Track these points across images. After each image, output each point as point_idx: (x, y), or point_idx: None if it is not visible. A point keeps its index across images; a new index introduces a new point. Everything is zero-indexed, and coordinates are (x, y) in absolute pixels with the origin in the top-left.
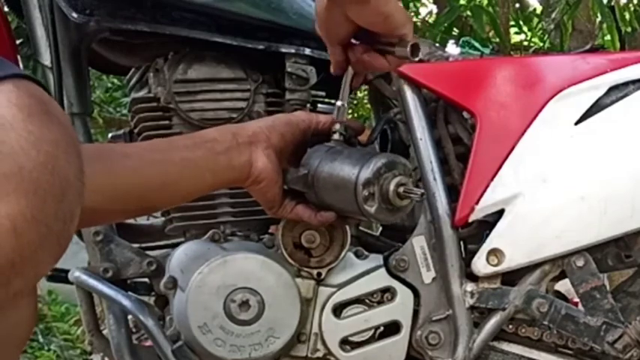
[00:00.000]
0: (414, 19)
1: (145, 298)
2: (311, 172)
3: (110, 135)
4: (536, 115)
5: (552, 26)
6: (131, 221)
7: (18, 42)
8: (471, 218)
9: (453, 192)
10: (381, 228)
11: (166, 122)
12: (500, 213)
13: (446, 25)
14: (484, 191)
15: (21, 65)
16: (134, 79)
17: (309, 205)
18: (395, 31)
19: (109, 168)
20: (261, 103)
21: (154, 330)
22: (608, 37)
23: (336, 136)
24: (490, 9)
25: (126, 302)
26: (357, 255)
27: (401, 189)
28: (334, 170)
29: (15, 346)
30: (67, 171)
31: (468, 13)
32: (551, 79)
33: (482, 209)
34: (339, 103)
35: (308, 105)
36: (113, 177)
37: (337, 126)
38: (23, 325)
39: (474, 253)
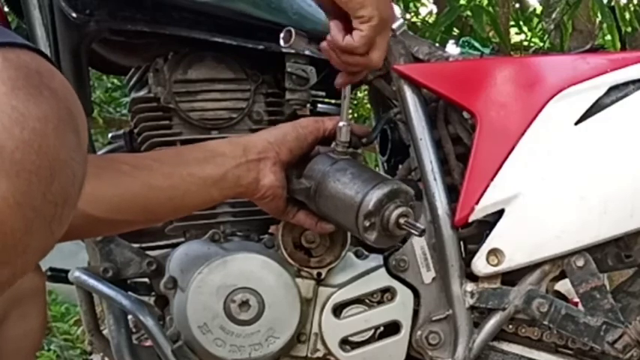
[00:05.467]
0: (414, 19)
1: (145, 298)
2: (313, 187)
3: (110, 135)
4: (536, 115)
5: (552, 26)
6: None
7: None
8: (471, 218)
9: (453, 192)
10: None
11: (166, 122)
12: (500, 213)
13: (446, 25)
14: (484, 191)
15: None
16: (134, 79)
17: (311, 212)
18: (350, 10)
19: (115, 179)
20: (261, 103)
21: (153, 330)
22: (608, 37)
23: (339, 148)
24: (490, 9)
25: (126, 302)
26: (357, 255)
27: (402, 220)
28: (337, 193)
29: (24, 357)
30: (57, 149)
31: (468, 13)
32: (551, 79)
33: (482, 209)
34: (341, 123)
35: (308, 105)
36: (120, 188)
37: (340, 139)
38: (32, 336)
39: (474, 253)
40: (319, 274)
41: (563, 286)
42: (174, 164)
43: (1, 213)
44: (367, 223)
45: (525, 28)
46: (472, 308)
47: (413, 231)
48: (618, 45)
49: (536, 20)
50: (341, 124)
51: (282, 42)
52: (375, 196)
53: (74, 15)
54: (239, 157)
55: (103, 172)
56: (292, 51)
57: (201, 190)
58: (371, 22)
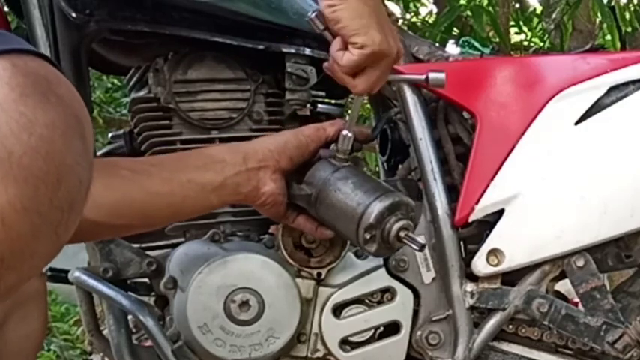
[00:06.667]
0: (414, 19)
1: (145, 298)
2: (314, 195)
3: (110, 135)
4: (536, 115)
5: (552, 26)
6: None
7: None
8: (471, 218)
9: (453, 192)
10: None
11: (166, 122)
12: (500, 213)
13: (446, 25)
14: (484, 191)
15: None
16: (134, 79)
17: (311, 217)
18: (343, 36)
19: (115, 184)
20: (261, 103)
21: (153, 330)
22: (608, 37)
23: (341, 155)
24: (490, 9)
25: (126, 302)
26: (357, 255)
27: (402, 233)
28: (338, 202)
29: (25, 358)
30: (64, 156)
31: (468, 13)
32: (551, 79)
33: (482, 209)
34: (344, 132)
35: (308, 105)
36: (119, 193)
37: (342, 147)
38: (33, 337)
39: (474, 253)
40: (319, 274)
41: (563, 286)
42: (173, 170)
43: (8, 218)
44: (368, 236)
45: (525, 28)
46: (472, 308)
47: (413, 245)
48: (618, 45)
49: (536, 20)
50: (344, 132)
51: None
52: (376, 209)
53: (74, 15)
54: (239, 164)
55: (102, 177)
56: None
57: (199, 196)
58: (363, 50)
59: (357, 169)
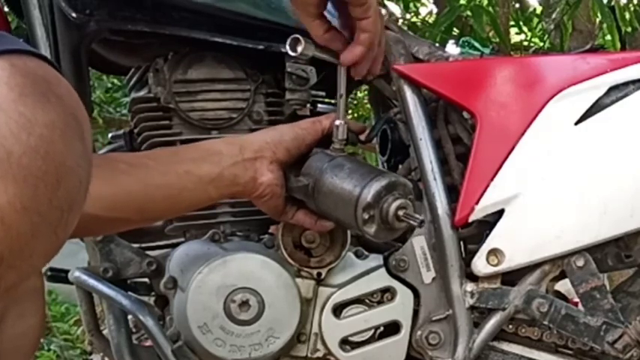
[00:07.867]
0: (414, 19)
1: (145, 298)
2: (311, 185)
3: (110, 135)
4: (536, 115)
5: (552, 26)
6: None
7: None
8: (471, 218)
9: (453, 192)
10: None
11: (166, 122)
12: (500, 213)
13: (446, 25)
14: (484, 191)
15: None
16: (134, 79)
17: (310, 211)
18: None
19: (112, 177)
20: (261, 103)
21: (153, 330)
22: (608, 37)
23: (336, 145)
24: (490, 9)
25: (126, 302)
26: (357, 255)
27: (401, 212)
28: (335, 188)
29: (23, 356)
30: (63, 156)
31: (468, 13)
32: (551, 79)
33: (482, 209)
34: (337, 122)
35: (308, 105)
36: (115, 186)
37: (338, 137)
38: (31, 335)
39: (474, 253)
40: (319, 274)
41: (563, 286)
42: (170, 163)
43: (8, 217)
44: (366, 216)
45: (525, 28)
46: (472, 308)
47: (412, 222)
48: (618, 45)
49: (536, 20)
50: (337, 122)
51: (289, 50)
52: (373, 188)
53: (74, 15)
54: (235, 155)
55: (99, 170)
56: (300, 57)
57: (197, 188)
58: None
59: (352, 157)
